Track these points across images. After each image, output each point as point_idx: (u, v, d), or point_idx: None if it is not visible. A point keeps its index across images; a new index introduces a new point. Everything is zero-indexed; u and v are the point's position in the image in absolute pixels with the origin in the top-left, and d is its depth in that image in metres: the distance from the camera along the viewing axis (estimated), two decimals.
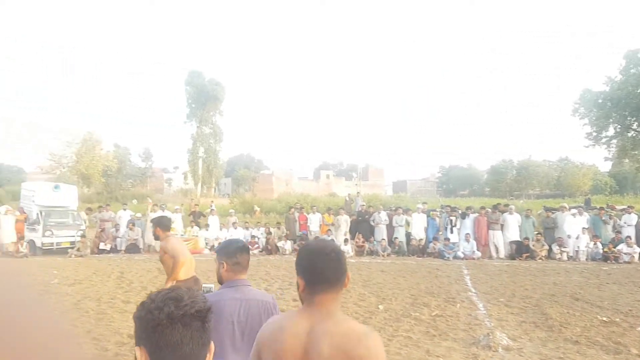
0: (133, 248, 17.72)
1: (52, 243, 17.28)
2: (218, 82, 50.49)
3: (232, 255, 2.80)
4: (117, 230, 18.49)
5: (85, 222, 19.00)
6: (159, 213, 18.80)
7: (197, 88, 49.42)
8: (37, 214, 17.67)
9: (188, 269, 5.52)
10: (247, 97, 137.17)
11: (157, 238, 5.67)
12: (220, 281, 2.84)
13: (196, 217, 19.58)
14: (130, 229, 18.16)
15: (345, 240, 17.32)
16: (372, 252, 17.13)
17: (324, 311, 1.74)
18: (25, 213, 18.15)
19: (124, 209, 20.18)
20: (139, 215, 19.79)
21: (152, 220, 6.51)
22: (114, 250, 17.78)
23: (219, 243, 18.18)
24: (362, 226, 18.20)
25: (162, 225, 5.61)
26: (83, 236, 17.53)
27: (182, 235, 18.14)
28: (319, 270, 1.76)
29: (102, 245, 17.57)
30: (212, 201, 26.20)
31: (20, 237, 17.14)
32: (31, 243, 17.07)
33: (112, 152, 50.33)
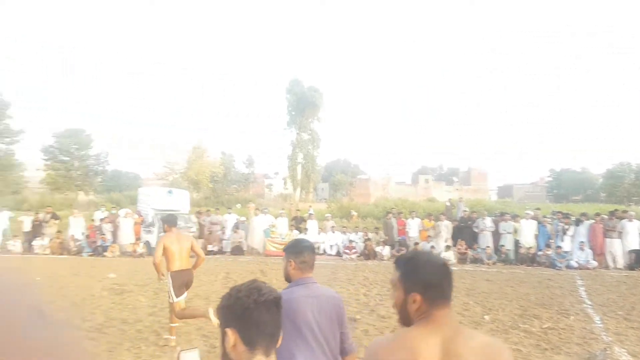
0: (237, 250, 18.47)
1: None
2: (317, 89, 51.38)
3: (300, 254, 2.90)
4: (223, 232, 19.39)
5: (195, 225, 20.12)
6: (261, 217, 19.50)
7: (296, 96, 50.66)
8: (153, 216, 18.98)
9: (181, 261, 6.78)
10: (344, 102, 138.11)
11: (165, 231, 6.98)
12: (288, 279, 2.94)
13: (298, 222, 20.00)
14: (235, 232, 18.97)
15: (447, 247, 16.80)
16: (475, 260, 16.45)
17: (450, 327, 1.62)
18: (142, 216, 19.58)
19: (229, 213, 21.12)
20: (242, 219, 20.60)
21: (161, 218, 7.90)
22: (220, 251, 18.67)
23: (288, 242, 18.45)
24: (464, 232, 17.56)
25: (167, 222, 6.98)
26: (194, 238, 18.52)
27: (282, 238, 18.60)
28: (439, 284, 1.66)
29: (210, 247, 18.50)
30: (310, 206, 26.67)
31: (138, 238, 18.55)
32: (147, 244, 18.37)
33: (219, 159, 53.01)
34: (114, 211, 21.08)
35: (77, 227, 19.50)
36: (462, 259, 16.65)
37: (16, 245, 18.66)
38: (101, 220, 19.57)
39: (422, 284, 1.65)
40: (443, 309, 1.64)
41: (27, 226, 19.52)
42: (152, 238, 18.44)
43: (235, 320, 1.56)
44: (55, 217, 20.02)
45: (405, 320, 1.70)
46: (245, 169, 60.00)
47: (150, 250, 18.18)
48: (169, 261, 6.72)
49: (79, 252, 18.17)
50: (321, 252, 18.63)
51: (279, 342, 1.63)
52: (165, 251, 6.67)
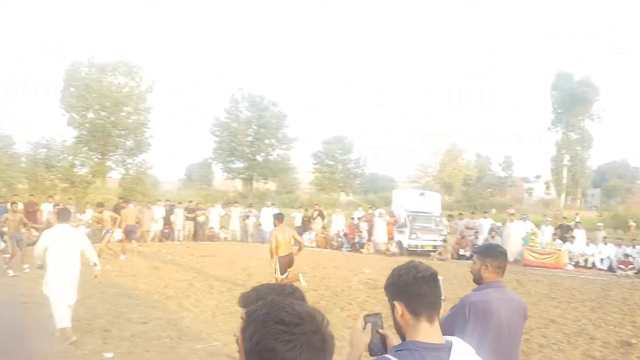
0: None
1: (417, 245, 18.67)
2: (589, 82, 45.45)
3: (496, 258, 3.04)
4: (476, 237, 18.72)
5: (446, 228, 19.91)
6: (518, 223, 18.12)
7: (564, 92, 45.74)
8: (405, 218, 19.36)
9: (285, 248, 8.89)
10: (624, 97, 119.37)
11: (275, 225, 9.19)
12: (478, 281, 3.10)
13: (563, 231, 18.02)
14: (492, 237, 18.12)
15: None
16: None
17: None
18: (395, 217, 20.25)
19: (485, 217, 20.34)
20: (498, 224, 19.55)
21: (273, 215, 10.03)
22: (472, 257, 18.01)
23: (583, 257, 16.37)
24: None
25: (277, 217, 9.43)
26: (444, 241, 18.37)
27: (543, 248, 16.99)
28: None
29: (461, 251, 18.05)
30: (577, 213, 23.88)
31: (390, 238, 19.22)
32: (399, 244, 18.87)
33: (473, 162, 51.70)
34: (370, 211, 22.33)
35: (338, 225, 21.26)
36: None
37: None
38: (359, 218, 20.93)
39: None
40: None
41: (298, 221, 22.14)
42: (404, 238, 18.88)
43: (400, 294, 1.82)
44: (321, 214, 22.18)
45: None
46: (501, 171, 57.07)
47: (402, 250, 18.65)
48: (277, 248, 8.81)
49: (339, 247, 19.75)
50: (589, 265, 16.48)
51: (440, 312, 1.85)
52: (276, 240, 8.83)
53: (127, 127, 30.81)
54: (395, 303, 1.83)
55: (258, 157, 42.87)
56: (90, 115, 30.04)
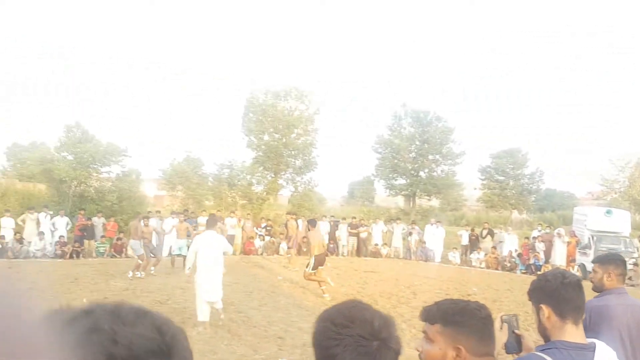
0: None
1: None
2: None
3: (619, 266, 3.08)
4: None
5: (637, 250, 17.62)
6: None
7: None
8: (589, 238, 17.69)
9: (320, 248, 10.90)
10: None
11: (308, 230, 11.58)
12: (598, 289, 3.08)
13: None
14: None
15: None
16: None
17: None
18: (576, 237, 18.42)
19: None
20: None
21: (307, 221, 13.01)
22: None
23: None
24: None
25: (312, 224, 11.68)
26: (636, 265, 16.18)
27: None
28: None
29: None
30: None
31: (571, 260, 17.46)
32: (582, 267, 17.10)
33: None
34: (547, 230, 20.59)
35: (511, 244, 19.86)
36: None
37: (455, 256, 20.50)
38: (534, 238, 19.37)
39: None
40: None
41: (464, 240, 21.22)
42: (588, 261, 17.02)
43: (547, 298, 1.93)
44: (491, 233, 21.01)
45: None
46: None
47: (584, 274, 16.82)
48: (313, 248, 10.74)
49: (512, 269, 18.44)
50: None
51: (584, 315, 1.95)
52: (310, 242, 10.99)
53: (296, 147, 32.87)
54: (542, 306, 1.94)
55: (421, 174, 42.33)
56: (266, 137, 32.71)
